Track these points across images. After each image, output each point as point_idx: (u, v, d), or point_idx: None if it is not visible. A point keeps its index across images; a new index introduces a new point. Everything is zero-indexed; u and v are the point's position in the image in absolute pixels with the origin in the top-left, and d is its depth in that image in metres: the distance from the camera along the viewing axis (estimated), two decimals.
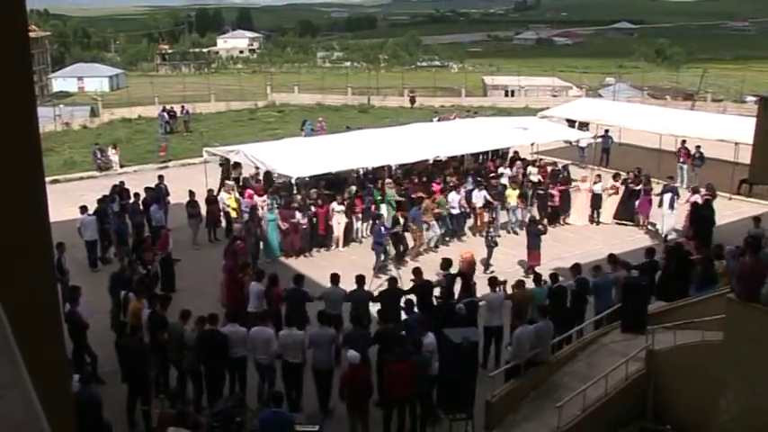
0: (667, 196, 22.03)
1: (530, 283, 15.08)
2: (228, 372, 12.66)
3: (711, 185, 22.35)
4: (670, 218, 21.97)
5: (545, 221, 22.17)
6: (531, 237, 19.60)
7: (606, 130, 32.17)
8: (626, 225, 23.48)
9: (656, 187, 23.63)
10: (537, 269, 18.15)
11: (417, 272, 14.94)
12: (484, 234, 20.35)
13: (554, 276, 14.87)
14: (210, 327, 12.40)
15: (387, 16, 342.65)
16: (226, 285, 15.95)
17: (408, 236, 20.73)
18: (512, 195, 22.77)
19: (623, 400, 12.45)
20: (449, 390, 11.55)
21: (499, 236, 20.77)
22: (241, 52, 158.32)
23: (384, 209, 22.00)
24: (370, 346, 12.51)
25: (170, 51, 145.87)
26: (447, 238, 22.02)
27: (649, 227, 23.30)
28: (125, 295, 14.51)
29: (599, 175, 24.77)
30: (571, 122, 32.88)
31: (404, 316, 13.68)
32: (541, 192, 23.82)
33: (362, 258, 19.46)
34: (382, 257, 19.16)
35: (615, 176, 24.42)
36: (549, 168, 25.81)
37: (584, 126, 32.80)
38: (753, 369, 10.39)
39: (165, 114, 43.21)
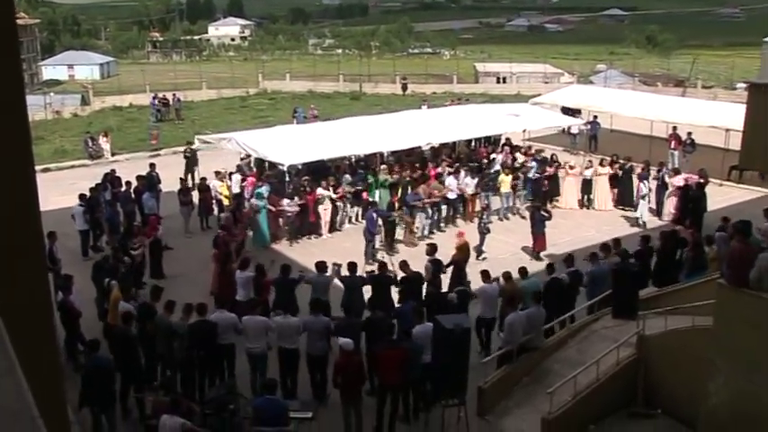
0: (643, 185, 22.26)
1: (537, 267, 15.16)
2: (218, 359, 12.63)
3: (704, 171, 22.37)
4: (644, 206, 22.15)
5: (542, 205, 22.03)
6: (535, 222, 19.67)
7: (594, 117, 32.21)
8: (625, 210, 23.63)
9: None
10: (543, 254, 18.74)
11: (404, 264, 14.82)
12: (477, 221, 20.37)
13: (550, 267, 14.90)
14: (200, 317, 12.38)
15: (378, 3, 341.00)
16: (215, 275, 15.92)
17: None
18: (505, 182, 22.79)
19: (614, 385, 12.52)
20: (441, 376, 11.57)
21: (491, 222, 20.77)
22: (232, 40, 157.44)
23: (377, 194, 21.99)
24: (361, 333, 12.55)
25: (161, 39, 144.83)
26: (442, 224, 21.99)
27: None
28: (108, 283, 14.34)
29: (590, 161, 24.82)
30: (567, 110, 32.84)
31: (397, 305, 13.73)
32: (537, 176, 23.79)
33: (355, 245, 19.41)
34: (373, 244, 19.14)
35: (602, 162, 24.52)
36: (537, 154, 25.84)
37: (577, 113, 32.83)
38: (742, 353, 10.45)
39: (157, 102, 43.04)
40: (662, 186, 23.15)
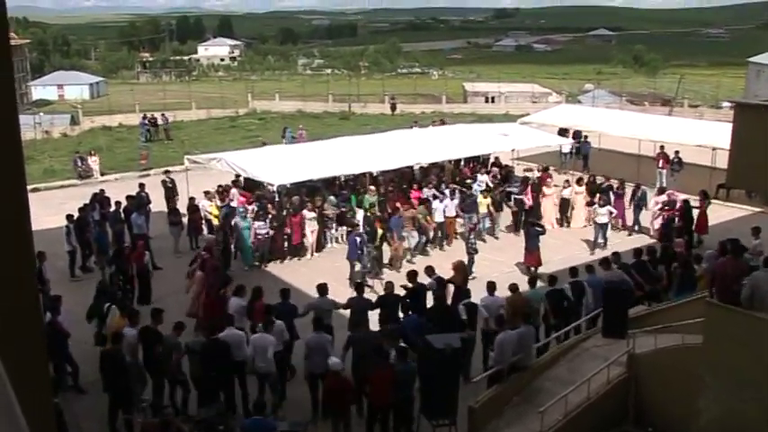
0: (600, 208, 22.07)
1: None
2: (230, 377, 12.53)
3: (705, 192, 22.54)
4: (599, 228, 21.87)
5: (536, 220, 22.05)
6: (530, 237, 19.79)
7: (585, 136, 32.45)
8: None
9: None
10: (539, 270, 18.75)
11: (412, 275, 14.85)
12: (464, 242, 20.33)
13: (552, 279, 14.97)
14: (213, 336, 12.35)
15: (367, 23, 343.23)
16: (205, 302, 15.28)
17: (385, 247, 20.53)
18: (482, 203, 22.84)
19: (605, 404, 12.50)
20: (432, 396, 11.53)
21: (476, 242, 20.78)
22: (222, 60, 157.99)
23: (360, 215, 21.99)
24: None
25: (151, 59, 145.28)
26: (428, 248, 21.95)
27: (625, 230, 23.73)
28: (108, 307, 14.14)
29: (567, 181, 24.94)
30: (563, 131, 32.91)
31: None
32: (518, 197, 23.88)
33: (346, 265, 19.35)
34: (357, 267, 18.95)
35: (578, 181, 24.78)
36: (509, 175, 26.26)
37: (565, 132, 32.96)
38: (731, 371, 10.48)
39: (147, 122, 43.02)
40: (638, 206, 23.46)
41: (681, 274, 16.26)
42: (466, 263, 17.63)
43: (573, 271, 15.50)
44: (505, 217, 23.93)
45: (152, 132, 42.81)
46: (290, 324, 13.45)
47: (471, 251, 19.51)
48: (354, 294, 14.46)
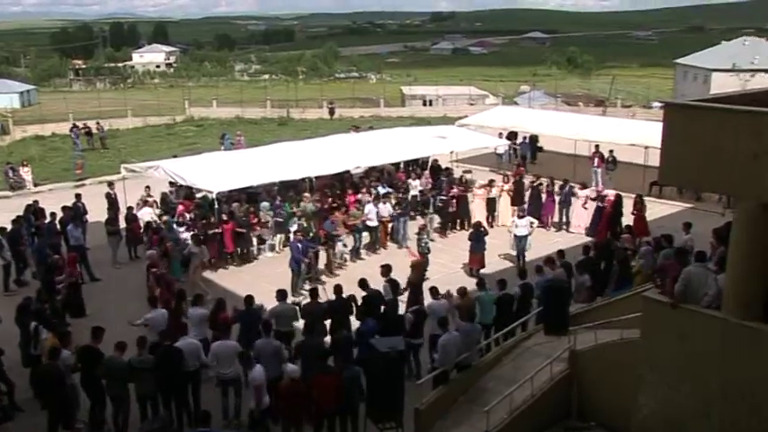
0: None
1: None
2: (183, 387, 12.29)
3: (640, 196, 22.89)
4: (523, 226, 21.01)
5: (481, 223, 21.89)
6: (474, 240, 19.89)
7: (525, 137, 33.01)
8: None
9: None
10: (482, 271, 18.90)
11: (364, 283, 14.71)
12: (417, 242, 20.33)
13: (502, 282, 15.11)
14: (167, 344, 12.13)
15: (304, 28, 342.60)
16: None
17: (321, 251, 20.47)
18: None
19: (549, 400, 12.65)
20: (377, 399, 11.52)
21: (431, 241, 20.86)
22: (157, 67, 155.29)
23: (295, 223, 21.87)
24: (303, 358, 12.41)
25: (84, 66, 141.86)
26: (363, 252, 22.01)
27: (553, 228, 24.33)
28: (35, 327, 13.56)
29: (492, 180, 25.27)
30: (513, 134, 33.28)
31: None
32: (443, 198, 24.10)
33: (285, 272, 19.14)
34: (298, 275, 18.81)
35: (504, 179, 25.23)
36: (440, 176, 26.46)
37: (515, 136, 33.36)
38: (669, 364, 10.72)
39: (76, 131, 41.89)
40: (565, 202, 24.09)
41: (618, 271, 16.62)
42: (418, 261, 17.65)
43: (522, 273, 15.75)
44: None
45: (88, 140, 41.81)
46: (254, 331, 13.19)
47: (424, 251, 19.57)
48: (309, 300, 14.34)
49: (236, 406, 12.53)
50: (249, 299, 13.87)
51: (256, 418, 11.68)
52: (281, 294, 14.17)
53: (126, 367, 11.88)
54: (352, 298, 14.32)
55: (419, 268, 17.08)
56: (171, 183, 24.05)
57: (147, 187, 23.35)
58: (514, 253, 20.75)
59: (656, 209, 25.27)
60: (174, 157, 26.59)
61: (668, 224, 21.31)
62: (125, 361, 11.94)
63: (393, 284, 15.07)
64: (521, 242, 20.58)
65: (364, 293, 14.47)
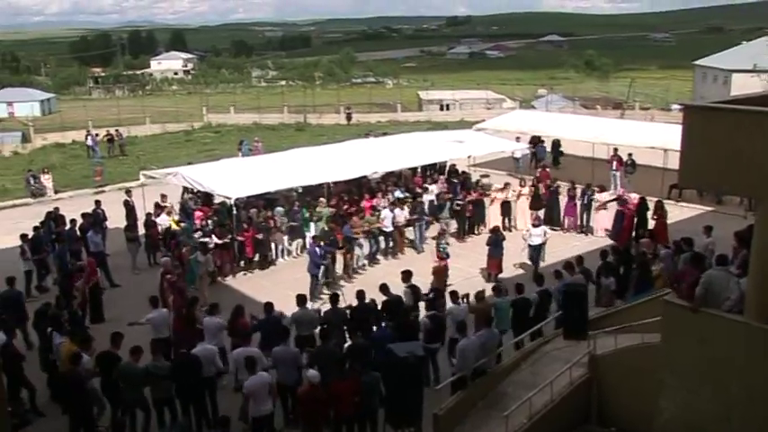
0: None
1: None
2: (201, 394, 12.31)
3: (660, 203, 22.67)
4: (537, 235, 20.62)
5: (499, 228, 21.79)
6: (492, 245, 19.81)
7: (542, 140, 32.92)
8: (553, 230, 24.07)
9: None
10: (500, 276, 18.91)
11: (385, 288, 14.76)
12: (436, 247, 20.29)
13: (519, 287, 15.05)
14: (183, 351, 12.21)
15: (321, 34, 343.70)
16: (175, 322, 14.74)
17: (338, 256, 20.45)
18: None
19: (568, 405, 12.58)
20: (396, 405, 11.50)
21: (449, 244, 20.80)
22: (175, 74, 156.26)
23: (312, 227, 21.92)
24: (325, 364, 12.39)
25: (103, 74, 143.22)
26: (378, 257, 21.98)
27: (574, 231, 24.28)
28: (50, 332, 13.66)
29: (507, 183, 25.19)
30: (536, 138, 33.16)
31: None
32: (459, 203, 23.97)
33: (305, 277, 19.17)
34: (317, 280, 18.82)
35: (521, 183, 25.07)
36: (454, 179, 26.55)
37: (539, 140, 33.23)
38: (690, 368, 10.63)
39: (94, 138, 42.40)
40: (586, 205, 24.00)
41: (638, 275, 16.51)
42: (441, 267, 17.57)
43: (539, 279, 15.65)
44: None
45: (107, 148, 42.29)
46: (275, 339, 13.12)
47: (443, 256, 19.51)
48: (329, 307, 14.35)
49: None
50: (269, 306, 13.86)
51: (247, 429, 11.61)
52: (301, 299, 14.21)
53: (141, 373, 11.93)
54: (372, 303, 14.32)
55: (441, 274, 17.05)
56: (185, 189, 24.16)
57: (164, 195, 23.42)
58: (530, 262, 20.46)
59: (676, 212, 25.09)
60: (189, 163, 26.68)
61: (688, 227, 21.16)
62: (141, 367, 11.99)
63: (414, 290, 15.06)
64: (535, 251, 20.30)
65: (384, 298, 14.47)
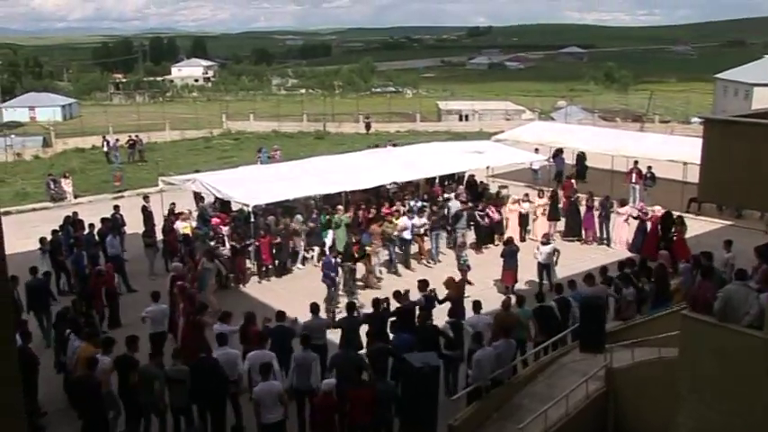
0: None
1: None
2: (221, 398, 12.28)
3: (681, 218, 22.22)
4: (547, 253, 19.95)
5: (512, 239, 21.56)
6: (506, 257, 19.75)
7: (561, 151, 32.82)
8: (572, 241, 24.27)
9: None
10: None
11: (399, 294, 14.78)
12: (456, 258, 20.24)
13: (539, 296, 15.10)
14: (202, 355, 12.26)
15: (341, 43, 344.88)
16: (183, 330, 14.78)
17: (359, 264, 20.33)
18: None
19: (584, 419, 12.50)
20: (411, 415, 11.48)
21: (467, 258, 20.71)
22: (196, 81, 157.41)
23: (330, 235, 21.93)
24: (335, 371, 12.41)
25: (124, 80, 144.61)
26: (399, 265, 21.92)
27: (595, 242, 24.17)
28: (68, 335, 13.70)
29: (527, 194, 25.11)
30: (560, 151, 33.07)
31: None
32: (480, 214, 23.88)
33: (321, 285, 19.20)
34: (333, 289, 18.68)
35: (539, 194, 25.01)
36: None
37: (561, 153, 33.12)
38: (708, 383, 10.53)
39: (111, 145, 42.93)
40: (605, 217, 23.93)
41: (656, 288, 16.40)
42: (456, 280, 17.50)
43: (558, 287, 15.63)
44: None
45: (127, 154, 42.71)
46: (287, 346, 13.27)
47: (464, 267, 19.45)
48: (345, 315, 14.38)
49: None
50: (280, 314, 13.90)
51: None
52: (315, 308, 14.27)
53: (161, 376, 11.97)
54: (387, 311, 14.35)
55: (451, 284, 16.97)
56: (196, 195, 24.22)
57: (173, 204, 23.49)
58: (537, 280, 19.73)
59: (696, 226, 24.92)
60: (196, 171, 26.75)
61: (708, 241, 20.97)
62: (160, 370, 12.05)
63: (429, 299, 15.07)
64: (543, 270, 19.73)
65: (398, 305, 14.50)
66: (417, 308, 14.66)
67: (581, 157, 33.58)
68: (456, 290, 16.21)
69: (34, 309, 16.73)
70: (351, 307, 14.46)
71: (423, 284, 15.44)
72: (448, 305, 15.69)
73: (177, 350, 12.34)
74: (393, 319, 14.14)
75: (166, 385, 11.98)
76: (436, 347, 13.34)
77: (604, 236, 24.13)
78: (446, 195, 25.99)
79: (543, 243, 20.11)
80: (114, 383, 12.39)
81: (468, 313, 14.94)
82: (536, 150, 31.83)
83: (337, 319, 14.62)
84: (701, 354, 10.61)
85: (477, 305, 14.38)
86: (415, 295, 15.04)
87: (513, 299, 15.26)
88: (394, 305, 14.62)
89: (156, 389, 11.96)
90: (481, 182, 28.07)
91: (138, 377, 12.01)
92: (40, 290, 16.95)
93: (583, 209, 24.47)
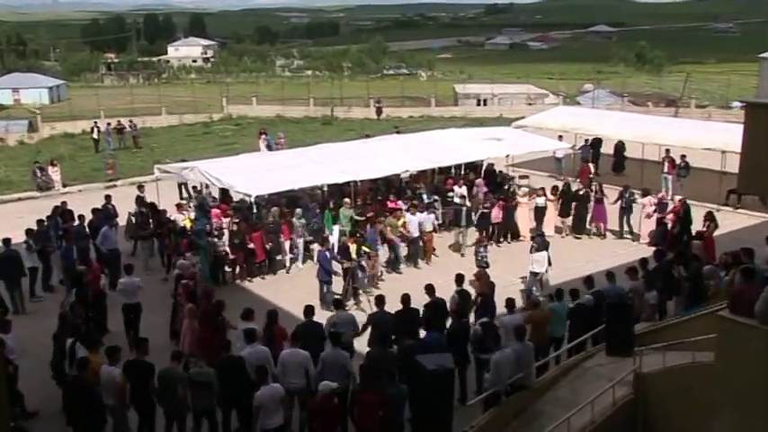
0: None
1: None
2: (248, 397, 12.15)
3: (711, 214, 21.88)
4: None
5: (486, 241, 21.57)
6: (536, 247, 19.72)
7: (585, 140, 32.64)
8: (579, 238, 24.42)
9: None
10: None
11: (430, 288, 14.92)
12: (475, 255, 20.22)
13: (574, 293, 15.11)
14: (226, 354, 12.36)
15: (350, 21, 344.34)
16: (201, 332, 14.35)
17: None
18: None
19: (611, 427, 12.47)
20: (424, 421, 11.49)
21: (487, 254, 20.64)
22: (194, 61, 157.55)
23: (336, 230, 21.95)
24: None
25: (116, 60, 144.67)
26: (402, 265, 21.89)
27: (613, 236, 24.26)
28: (72, 344, 13.35)
29: (542, 188, 25.04)
30: (597, 141, 32.95)
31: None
32: (486, 210, 23.74)
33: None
34: (326, 288, 18.74)
35: (553, 189, 24.87)
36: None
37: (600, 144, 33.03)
38: (748, 390, 10.49)
39: (96, 131, 42.75)
40: (626, 209, 23.94)
41: (690, 287, 16.31)
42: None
43: (588, 281, 15.60)
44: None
45: (118, 140, 42.66)
46: (316, 344, 13.22)
47: (482, 264, 19.40)
48: (376, 310, 14.43)
49: (302, 420, 12.50)
50: (309, 310, 13.86)
51: None
52: (337, 304, 14.67)
53: (185, 379, 12.00)
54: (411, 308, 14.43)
55: (484, 279, 17.00)
56: (180, 185, 24.27)
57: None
58: (529, 291, 18.74)
59: (735, 220, 24.84)
60: (183, 160, 26.82)
61: (748, 237, 20.91)
62: (184, 373, 12.12)
63: (462, 295, 15.17)
64: (535, 279, 19.14)
65: (428, 300, 14.63)
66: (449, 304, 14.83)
67: (619, 147, 33.29)
68: (487, 286, 16.26)
69: (3, 278, 18.41)
70: (381, 300, 14.45)
71: (458, 279, 15.61)
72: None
73: (200, 353, 12.47)
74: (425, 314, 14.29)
75: (188, 389, 12.01)
76: (466, 347, 13.55)
77: (626, 229, 24.04)
78: (456, 189, 25.80)
79: (536, 249, 19.43)
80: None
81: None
82: (560, 137, 31.74)
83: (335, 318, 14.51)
84: (741, 359, 10.56)
85: (510, 303, 14.44)
86: (415, 298, 15.07)
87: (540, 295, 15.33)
88: (417, 301, 14.63)
89: (179, 393, 11.96)
90: (500, 171, 27.98)
91: (160, 381, 12.01)
92: (11, 259, 18.28)
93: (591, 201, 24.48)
